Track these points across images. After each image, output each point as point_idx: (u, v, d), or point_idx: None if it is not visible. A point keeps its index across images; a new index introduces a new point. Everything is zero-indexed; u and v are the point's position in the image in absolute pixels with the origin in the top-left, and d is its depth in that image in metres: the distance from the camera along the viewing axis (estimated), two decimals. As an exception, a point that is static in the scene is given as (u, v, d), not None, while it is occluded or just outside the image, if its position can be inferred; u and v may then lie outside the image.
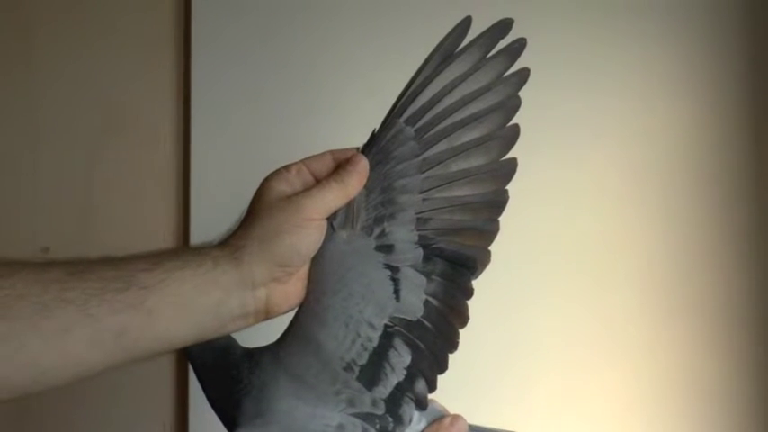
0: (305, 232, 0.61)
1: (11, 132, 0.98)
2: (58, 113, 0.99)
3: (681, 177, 1.04)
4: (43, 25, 0.98)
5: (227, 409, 0.63)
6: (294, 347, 0.63)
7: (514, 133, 0.65)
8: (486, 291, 0.91)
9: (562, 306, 1.01)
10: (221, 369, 0.64)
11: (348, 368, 0.62)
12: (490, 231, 0.65)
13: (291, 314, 0.65)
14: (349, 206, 0.63)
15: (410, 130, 0.63)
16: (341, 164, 0.63)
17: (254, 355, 0.64)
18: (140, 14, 0.99)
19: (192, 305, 0.59)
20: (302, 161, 0.64)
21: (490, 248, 0.65)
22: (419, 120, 0.63)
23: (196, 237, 0.92)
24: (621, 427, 1.01)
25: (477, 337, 0.90)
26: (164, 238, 0.96)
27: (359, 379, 0.62)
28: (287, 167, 0.64)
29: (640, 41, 1.03)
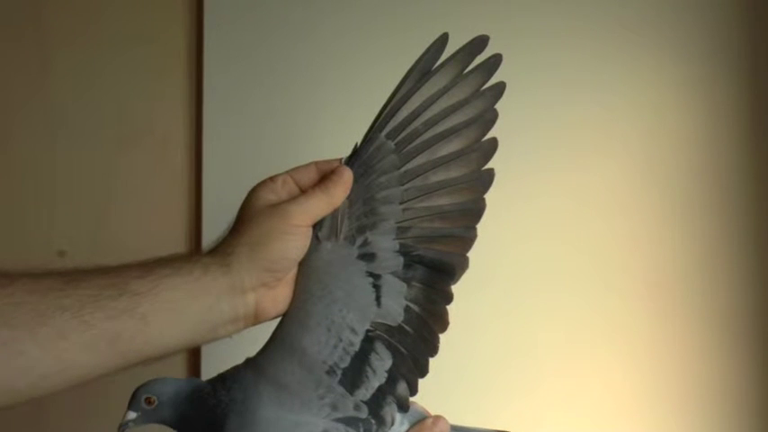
0: (291, 238, 0.62)
1: (31, 140, 0.99)
2: (75, 123, 1.00)
3: (685, 181, 1.02)
4: (63, 40, 0.99)
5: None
6: (277, 356, 0.63)
7: (492, 146, 0.66)
8: (488, 293, 0.97)
9: (564, 309, 1.00)
10: (199, 406, 0.62)
11: (331, 371, 0.62)
12: (468, 238, 0.66)
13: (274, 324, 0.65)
14: (333, 217, 0.64)
15: (391, 144, 0.65)
16: (326, 175, 0.65)
17: (226, 376, 0.63)
18: (155, 30, 1.00)
19: (184, 311, 0.60)
20: (287, 172, 0.65)
21: (468, 255, 0.66)
22: (399, 134, 0.65)
23: (208, 241, 0.92)
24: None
25: (478, 340, 0.97)
26: (176, 243, 0.97)
27: (341, 382, 0.62)
28: (272, 178, 0.65)
29: (644, 46, 1.02)
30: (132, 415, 0.62)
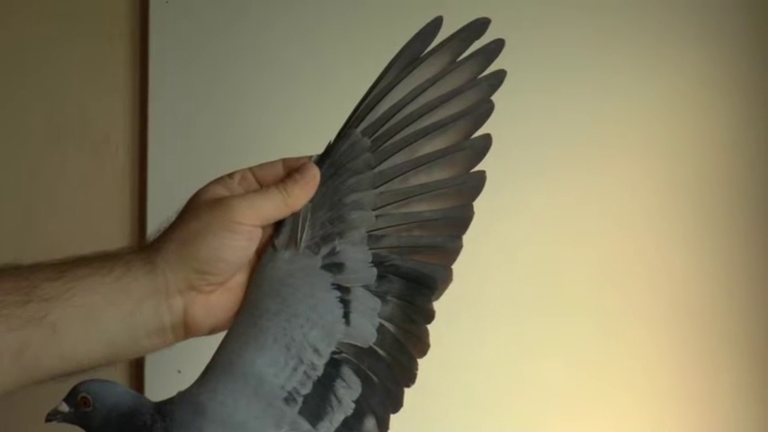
0: (230, 236, 0.58)
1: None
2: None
3: (712, 191, 0.99)
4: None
5: None
6: (222, 386, 0.57)
7: (484, 144, 0.63)
8: (480, 323, 0.95)
9: (572, 344, 0.96)
10: None
11: (290, 399, 0.58)
12: (452, 249, 0.63)
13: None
14: (293, 223, 0.61)
15: (366, 141, 0.62)
16: (289, 173, 0.62)
17: (169, 411, 0.58)
18: (92, 10, 0.97)
19: (101, 318, 0.57)
20: (250, 168, 0.62)
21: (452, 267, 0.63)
22: (378, 129, 0.62)
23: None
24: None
25: (468, 380, 0.95)
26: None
27: (302, 412, 0.58)
28: (231, 174, 0.62)
29: (663, 38, 0.99)
30: (65, 408, 0.59)
